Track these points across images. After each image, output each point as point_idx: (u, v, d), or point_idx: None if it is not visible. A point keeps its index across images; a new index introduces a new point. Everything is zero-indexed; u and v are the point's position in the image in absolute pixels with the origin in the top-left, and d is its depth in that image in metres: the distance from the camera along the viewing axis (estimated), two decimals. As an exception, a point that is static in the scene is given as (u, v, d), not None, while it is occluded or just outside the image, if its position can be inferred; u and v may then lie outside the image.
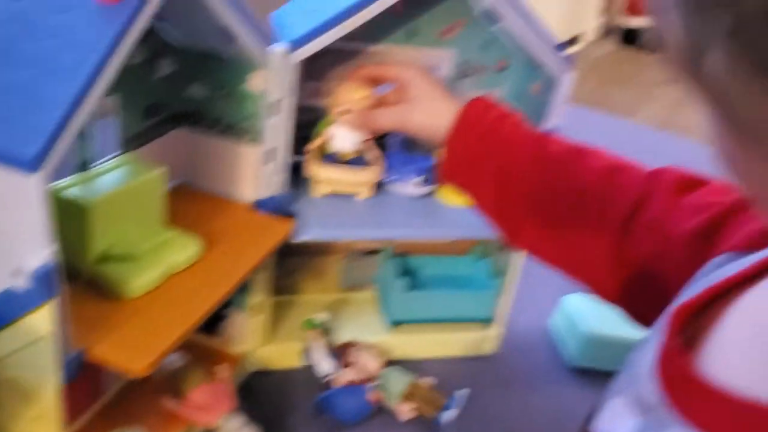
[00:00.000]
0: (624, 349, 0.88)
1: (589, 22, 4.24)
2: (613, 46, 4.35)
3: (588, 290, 0.63)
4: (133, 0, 0.46)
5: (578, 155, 0.62)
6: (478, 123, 0.64)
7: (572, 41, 4.16)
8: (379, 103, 0.71)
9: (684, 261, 0.52)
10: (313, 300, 0.88)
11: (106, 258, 0.56)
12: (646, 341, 0.43)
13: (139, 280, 0.56)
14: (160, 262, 0.58)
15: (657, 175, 0.59)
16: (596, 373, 0.90)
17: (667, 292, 0.52)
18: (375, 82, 0.71)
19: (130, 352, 0.51)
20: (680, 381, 0.37)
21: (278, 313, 0.85)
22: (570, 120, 1.66)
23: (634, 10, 4.23)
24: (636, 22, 4.24)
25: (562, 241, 0.61)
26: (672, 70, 0.26)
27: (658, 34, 0.26)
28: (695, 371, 0.36)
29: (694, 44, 0.24)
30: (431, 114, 0.65)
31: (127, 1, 0.46)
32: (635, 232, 0.57)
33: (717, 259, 0.46)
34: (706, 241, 0.50)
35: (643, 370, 0.40)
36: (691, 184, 0.57)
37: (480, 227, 0.78)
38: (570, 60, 0.72)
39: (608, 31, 4.46)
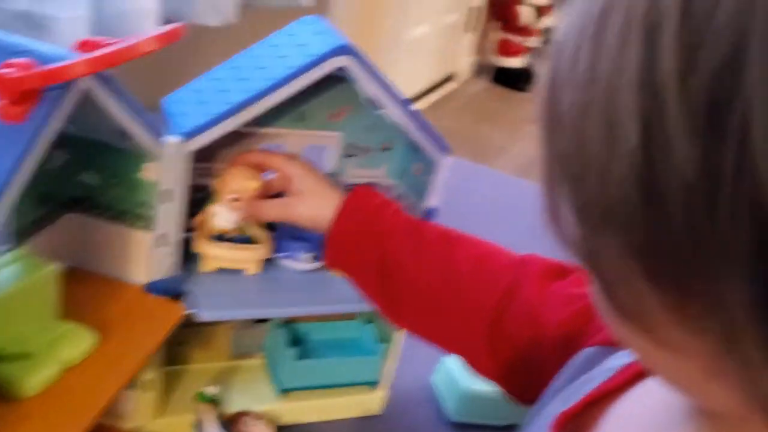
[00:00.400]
0: (501, 403, 0.95)
1: (462, 61, 4.42)
2: (486, 84, 4.55)
3: (468, 367, 0.68)
4: (37, 118, 0.47)
5: (451, 244, 0.67)
6: (359, 212, 0.68)
7: (448, 79, 4.32)
8: (265, 191, 0.74)
9: (556, 348, 0.57)
10: (203, 369, 0.89)
11: (-1, 358, 0.56)
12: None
13: (34, 379, 0.56)
14: (55, 358, 0.58)
15: (524, 263, 0.65)
16: (477, 428, 0.96)
17: (542, 374, 0.57)
18: (260, 169, 0.75)
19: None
20: None
21: (168, 384, 0.85)
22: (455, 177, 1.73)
23: (504, 51, 4.45)
24: (506, 62, 4.46)
25: (440, 325, 0.66)
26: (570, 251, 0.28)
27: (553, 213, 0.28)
28: None
29: (589, 249, 0.26)
30: (315, 206, 0.70)
31: (32, 120, 0.47)
32: (507, 319, 0.62)
33: (587, 351, 0.50)
34: (575, 333, 0.55)
35: None
36: (557, 272, 0.62)
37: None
38: (446, 147, 0.78)
39: (481, 70, 4.67)
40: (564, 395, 0.47)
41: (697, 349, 0.25)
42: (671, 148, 0.21)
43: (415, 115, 0.77)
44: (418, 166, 0.83)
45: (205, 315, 0.72)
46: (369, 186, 0.72)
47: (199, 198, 0.80)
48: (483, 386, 0.95)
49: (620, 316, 0.27)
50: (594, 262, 0.26)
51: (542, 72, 0.27)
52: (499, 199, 1.66)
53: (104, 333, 0.64)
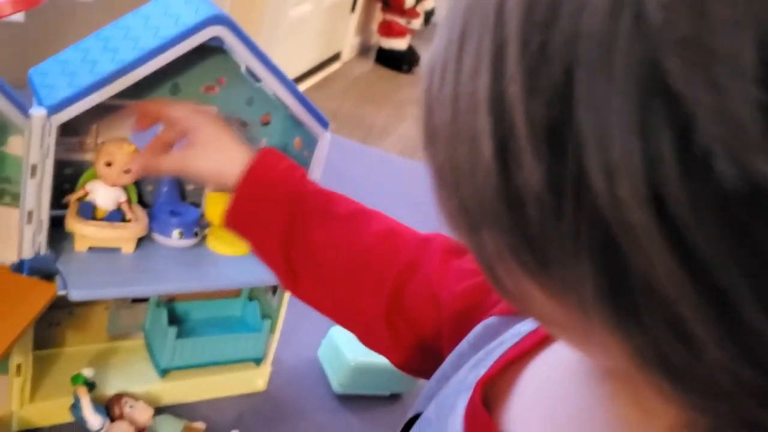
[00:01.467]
0: (386, 374, 0.97)
1: (347, 41, 4.42)
2: (370, 65, 4.58)
3: (361, 341, 0.69)
4: None
5: (361, 216, 0.66)
6: (269, 172, 0.66)
7: (332, 59, 4.32)
8: (161, 146, 0.72)
9: (453, 321, 0.58)
10: (79, 352, 0.86)
11: None
12: (452, 408, 0.47)
13: None
14: None
15: (428, 240, 0.65)
16: (361, 399, 0.98)
17: (439, 349, 0.58)
18: (155, 119, 0.72)
19: None
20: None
21: (43, 368, 0.82)
22: (338, 158, 1.73)
23: (387, 32, 4.48)
24: (390, 43, 4.50)
25: (339, 298, 0.66)
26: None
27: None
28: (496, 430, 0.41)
29: (471, 243, 0.28)
30: (219, 161, 0.67)
31: None
32: (406, 294, 0.62)
33: (488, 321, 0.51)
34: (473, 305, 0.56)
35: (452, 425, 0.44)
36: (459, 250, 0.63)
37: (249, 276, 0.82)
38: (326, 121, 0.79)
39: (365, 50, 4.69)
40: (472, 363, 0.49)
41: (568, 322, 0.28)
42: (521, 163, 0.23)
43: (293, 89, 0.77)
44: (299, 139, 0.83)
45: (75, 294, 0.70)
46: (275, 149, 0.70)
47: (69, 174, 0.77)
48: (367, 358, 0.96)
49: (505, 298, 0.30)
50: (476, 253, 0.29)
51: (419, 88, 0.29)
52: (383, 178, 1.68)
53: (-33, 314, 0.61)
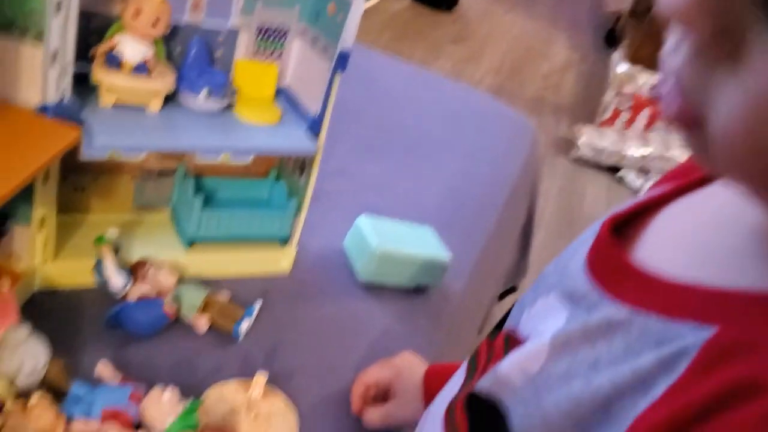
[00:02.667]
0: (412, 265, 0.95)
1: (384, -22, 4.34)
2: (407, 3, 4.49)
3: None
4: None
5: None
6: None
7: (368, -4, 4.24)
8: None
9: None
10: (104, 219, 0.85)
11: None
12: (574, 249, 0.46)
13: None
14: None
15: None
16: (385, 289, 0.96)
17: None
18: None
19: None
20: (611, 267, 0.40)
21: (67, 231, 0.81)
22: (373, 67, 1.71)
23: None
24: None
25: None
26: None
27: None
28: (626, 258, 0.40)
29: None
30: (416, 403, 0.75)
31: None
32: None
33: None
34: None
35: (574, 268, 0.43)
36: None
37: (273, 143, 0.80)
38: (361, -19, 0.76)
39: (403, -12, 4.60)
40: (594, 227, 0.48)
41: None
42: None
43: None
44: (332, 5, 0.80)
45: (98, 143, 0.68)
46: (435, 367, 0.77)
47: (96, 27, 0.75)
48: (393, 247, 0.95)
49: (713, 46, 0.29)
50: None
51: None
52: (426, 95, 1.64)
53: (-11, 144, 0.59)
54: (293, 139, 0.81)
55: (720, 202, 0.41)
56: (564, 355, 0.40)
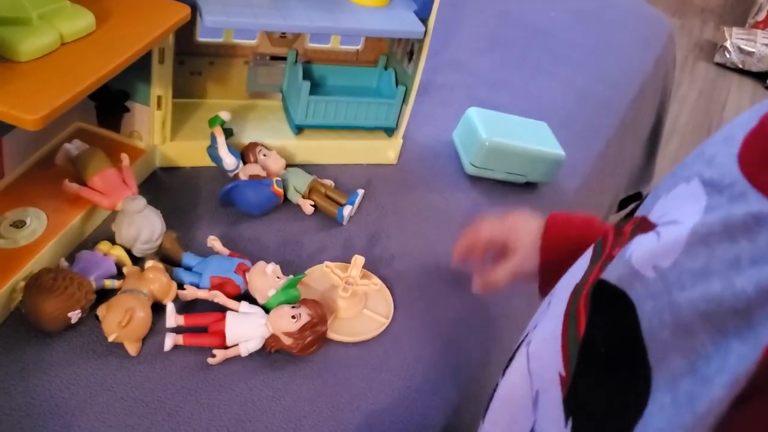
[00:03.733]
0: (522, 158, 0.93)
1: None
2: None
3: None
4: None
5: None
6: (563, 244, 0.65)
7: None
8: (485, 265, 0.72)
9: None
10: (218, 104, 0.88)
11: (-5, 21, 0.55)
12: (723, 139, 0.43)
13: (30, 43, 0.55)
14: (52, 29, 0.57)
15: None
16: (494, 183, 0.95)
17: None
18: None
19: (23, 104, 0.51)
20: (763, 160, 0.37)
21: (184, 114, 0.85)
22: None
23: None
24: None
25: None
26: None
27: None
28: None
29: None
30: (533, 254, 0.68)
31: None
32: None
33: None
34: None
35: (723, 156, 0.40)
36: None
37: (383, 24, 0.79)
38: None
39: None
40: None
41: None
42: None
43: None
44: None
45: (208, 20, 0.70)
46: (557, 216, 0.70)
47: None
48: (504, 139, 0.93)
49: None
50: None
51: None
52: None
53: (104, 19, 0.62)
54: (401, 22, 0.80)
55: None
56: (702, 251, 0.38)
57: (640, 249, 0.42)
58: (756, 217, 0.35)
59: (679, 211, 0.41)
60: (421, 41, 0.83)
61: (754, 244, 0.35)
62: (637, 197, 1.62)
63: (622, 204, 1.57)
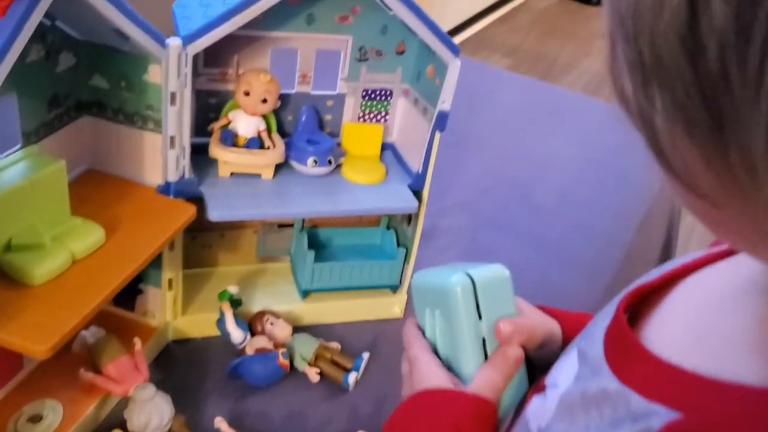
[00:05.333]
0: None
1: (532, -26, 4.26)
2: (557, -1, 4.39)
3: None
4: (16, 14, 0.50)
5: None
6: None
7: (517, -7, 4.18)
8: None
9: None
10: (229, 272, 0.93)
11: (10, 248, 0.60)
12: (607, 313, 0.47)
13: (43, 268, 0.60)
14: (64, 249, 0.62)
15: None
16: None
17: None
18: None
19: (34, 334, 0.56)
20: (618, 340, 0.42)
21: (196, 285, 0.89)
22: (511, 90, 1.70)
23: (576, -38, 4.26)
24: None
25: None
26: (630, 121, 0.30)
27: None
28: (633, 335, 0.41)
29: (640, 105, 0.28)
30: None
31: (10, 16, 0.49)
32: None
33: None
34: None
35: (597, 330, 0.45)
36: None
37: (378, 203, 0.84)
38: (456, 48, 0.77)
39: (552, -17, 4.49)
40: (615, 300, 0.48)
41: (738, 207, 0.28)
42: (710, 3, 0.23)
43: (423, 16, 0.75)
44: (431, 68, 0.82)
45: (214, 215, 0.75)
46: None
47: (214, 104, 0.82)
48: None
49: (669, 175, 0.30)
50: (644, 120, 0.29)
51: None
52: (560, 112, 1.62)
53: (114, 229, 0.67)
54: (396, 199, 0.84)
55: (734, 282, 0.40)
56: (564, 417, 0.42)
57: (530, 408, 0.48)
58: (604, 391, 0.40)
59: (560, 375, 0.46)
60: (417, 210, 0.87)
61: (601, 416, 0.39)
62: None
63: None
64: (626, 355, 0.40)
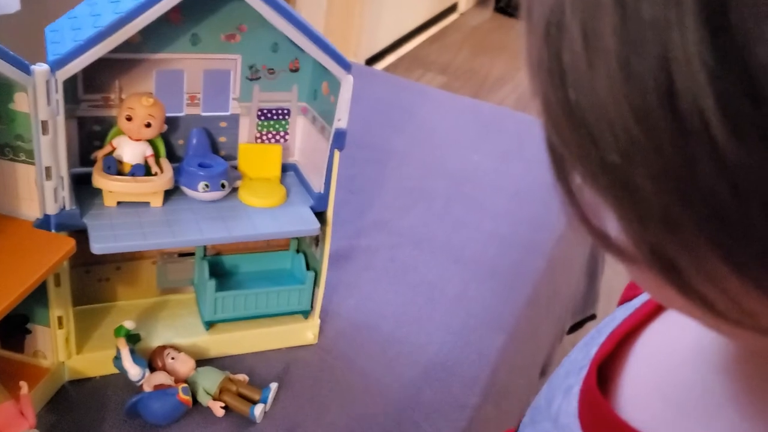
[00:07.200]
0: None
1: (463, -9, 4.31)
2: (489, 14, 4.44)
3: None
4: None
5: None
6: None
7: (449, 10, 4.22)
8: None
9: None
10: (129, 306, 0.89)
11: None
12: (566, 391, 0.44)
13: None
14: None
15: None
16: (411, 348, 0.95)
17: None
18: None
19: None
20: (599, 419, 0.38)
21: (94, 321, 0.85)
22: (435, 106, 1.70)
23: (505, -23, 4.32)
24: (507, -11, 4.34)
25: None
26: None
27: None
28: (610, 410, 0.38)
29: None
30: None
31: None
32: None
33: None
34: None
35: (563, 416, 0.41)
36: None
37: (276, 227, 0.81)
38: (348, 65, 0.75)
39: (483, 0, 4.55)
40: (583, 342, 0.46)
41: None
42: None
43: (312, 34, 0.73)
44: (326, 85, 0.80)
45: (97, 248, 0.71)
46: None
47: (98, 131, 0.78)
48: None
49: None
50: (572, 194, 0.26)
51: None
52: (490, 128, 1.62)
53: (-17, 267, 0.63)
54: (297, 222, 0.81)
55: (686, 331, 0.38)
56: None
57: None
58: None
59: None
60: (322, 231, 0.84)
61: None
62: (592, 317, 1.63)
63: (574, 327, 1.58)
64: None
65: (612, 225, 0.24)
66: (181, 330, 0.87)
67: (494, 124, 1.65)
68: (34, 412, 0.71)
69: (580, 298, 1.56)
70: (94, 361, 0.82)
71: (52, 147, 0.68)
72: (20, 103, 0.65)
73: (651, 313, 0.42)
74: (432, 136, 1.54)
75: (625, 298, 0.47)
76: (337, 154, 0.80)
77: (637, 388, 0.39)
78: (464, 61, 3.74)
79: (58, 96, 0.66)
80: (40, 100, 0.65)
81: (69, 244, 0.69)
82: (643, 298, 0.44)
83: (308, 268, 0.91)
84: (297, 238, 0.93)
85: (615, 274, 1.81)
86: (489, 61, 3.77)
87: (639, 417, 0.37)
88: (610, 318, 0.45)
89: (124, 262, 0.87)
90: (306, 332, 0.92)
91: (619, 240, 0.24)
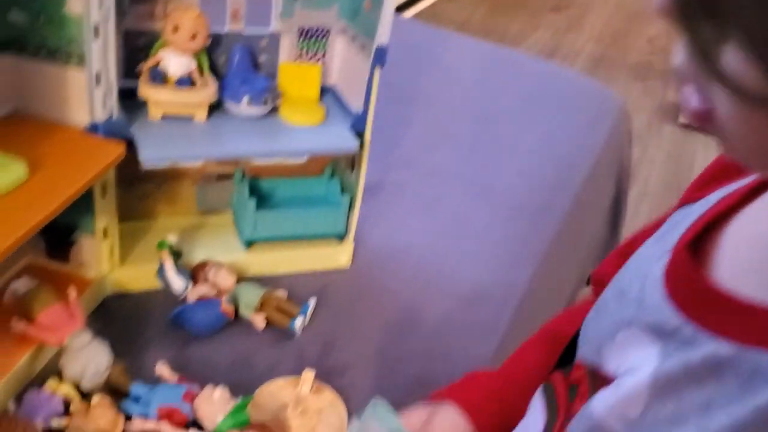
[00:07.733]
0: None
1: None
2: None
3: None
4: None
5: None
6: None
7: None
8: None
9: None
10: (169, 224, 0.90)
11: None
12: (640, 272, 0.43)
13: (-41, 202, 0.57)
14: (-18, 184, 0.59)
15: None
16: (445, 281, 0.96)
17: None
18: None
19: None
20: (699, 297, 0.37)
21: (134, 238, 0.87)
22: (459, 51, 1.69)
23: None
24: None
25: None
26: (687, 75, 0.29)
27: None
28: (711, 284, 0.37)
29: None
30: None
31: None
32: None
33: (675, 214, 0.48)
34: None
35: (652, 297, 0.40)
36: None
37: (317, 143, 0.82)
38: (391, -22, 0.76)
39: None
40: (656, 237, 0.46)
41: None
42: None
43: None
44: (368, 2, 0.80)
45: (146, 155, 0.72)
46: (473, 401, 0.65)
47: (142, 44, 0.79)
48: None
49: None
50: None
51: None
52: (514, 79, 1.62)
53: (38, 167, 0.64)
54: (336, 139, 0.82)
55: None
56: (668, 398, 0.37)
57: (602, 404, 0.41)
58: (715, 359, 0.35)
59: (631, 359, 0.41)
60: (360, 153, 0.85)
61: (723, 386, 0.35)
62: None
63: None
64: (721, 311, 0.36)
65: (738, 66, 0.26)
66: (220, 249, 0.88)
67: (519, 68, 1.65)
68: (82, 314, 0.73)
69: (601, 245, 1.57)
70: (136, 274, 0.83)
71: (103, 52, 0.68)
72: (73, 5, 0.66)
73: (735, 204, 0.41)
74: (456, 80, 1.53)
75: (686, 200, 0.47)
76: (377, 71, 0.81)
77: (735, 268, 0.38)
78: (482, 18, 3.71)
79: (109, 0, 0.66)
80: (92, 3, 0.65)
81: (119, 149, 0.71)
82: (711, 199, 0.43)
83: (342, 192, 0.92)
84: (332, 164, 0.94)
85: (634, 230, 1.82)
86: (506, 19, 3.74)
87: (740, 290, 0.36)
88: (686, 213, 0.44)
89: (164, 181, 0.88)
90: (340, 255, 0.94)
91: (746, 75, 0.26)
